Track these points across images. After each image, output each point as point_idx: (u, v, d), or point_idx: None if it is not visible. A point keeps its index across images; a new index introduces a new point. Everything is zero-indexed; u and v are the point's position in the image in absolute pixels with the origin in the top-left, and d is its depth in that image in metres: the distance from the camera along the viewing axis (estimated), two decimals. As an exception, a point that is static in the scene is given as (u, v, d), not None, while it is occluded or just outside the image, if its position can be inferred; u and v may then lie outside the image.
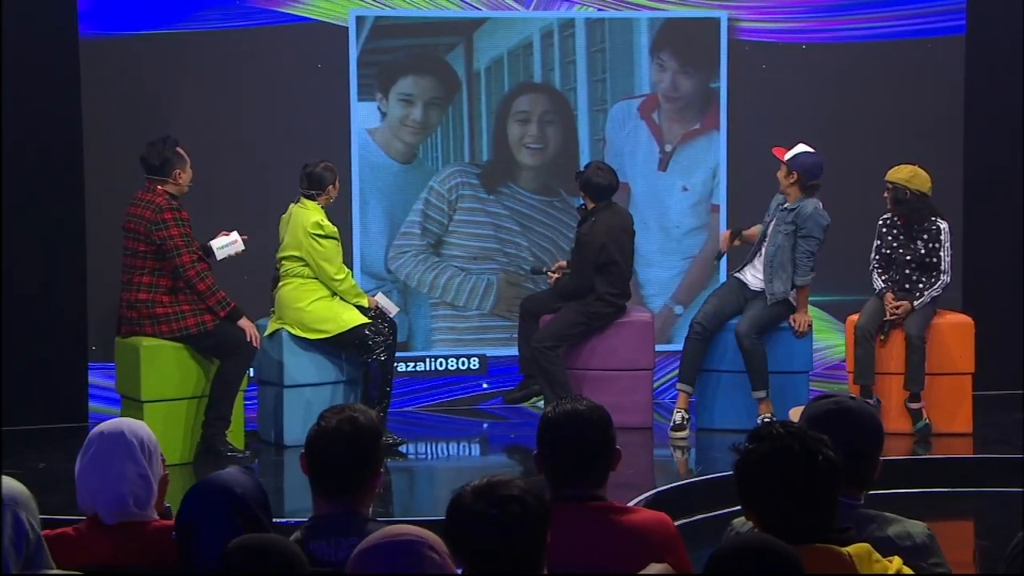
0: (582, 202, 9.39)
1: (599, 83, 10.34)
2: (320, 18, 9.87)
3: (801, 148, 9.09)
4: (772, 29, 10.40)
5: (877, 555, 3.64)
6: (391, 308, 9.08)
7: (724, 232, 9.70)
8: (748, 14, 10.36)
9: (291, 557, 3.40)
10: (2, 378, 8.99)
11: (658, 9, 10.32)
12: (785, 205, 9.11)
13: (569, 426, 4.19)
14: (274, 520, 4.17)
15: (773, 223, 9.14)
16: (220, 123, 9.67)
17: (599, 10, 10.21)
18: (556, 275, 9.51)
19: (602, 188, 9.23)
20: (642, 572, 3.63)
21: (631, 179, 10.27)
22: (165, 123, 9.38)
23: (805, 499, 3.57)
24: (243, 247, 8.70)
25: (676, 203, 10.46)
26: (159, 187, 8.37)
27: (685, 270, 10.50)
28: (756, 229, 9.38)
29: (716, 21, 10.34)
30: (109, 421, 4.50)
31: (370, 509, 4.25)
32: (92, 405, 9.49)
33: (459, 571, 3.37)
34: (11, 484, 3.59)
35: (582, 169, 9.49)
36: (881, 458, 4.12)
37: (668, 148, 10.44)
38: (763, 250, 9.22)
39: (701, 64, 10.41)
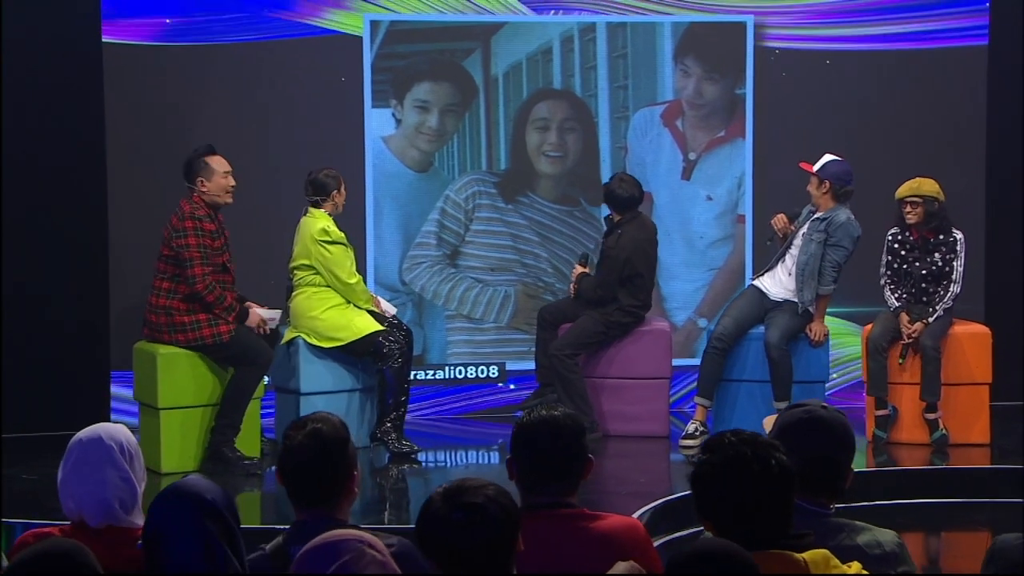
0: (608, 212, 9.35)
1: (621, 89, 10.24)
2: (336, 28, 9.87)
3: (828, 158, 9.04)
4: (796, 36, 10.32)
5: (835, 561, 3.61)
6: (390, 309, 9.09)
7: (780, 215, 9.22)
8: (773, 19, 10.29)
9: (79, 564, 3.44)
10: (2, 383, 9.06)
11: (682, 13, 10.25)
12: (817, 214, 9.05)
13: (541, 433, 4.16)
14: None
15: (804, 232, 9.07)
16: (237, 130, 9.67)
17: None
18: (578, 274, 9.45)
19: (624, 200, 9.20)
20: (609, 572, 3.62)
21: (654, 188, 10.18)
22: (185, 130, 9.45)
23: (760, 505, 3.57)
24: (274, 326, 8.73)
25: (700, 213, 10.36)
26: (194, 195, 8.41)
27: (709, 282, 10.40)
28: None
29: (742, 26, 10.25)
30: (87, 428, 4.52)
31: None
32: (113, 418, 9.48)
33: (429, 573, 3.40)
34: None
35: (607, 180, 9.45)
36: (853, 467, 4.10)
37: (692, 156, 10.35)
38: (786, 259, 9.17)
39: (727, 70, 10.31)
